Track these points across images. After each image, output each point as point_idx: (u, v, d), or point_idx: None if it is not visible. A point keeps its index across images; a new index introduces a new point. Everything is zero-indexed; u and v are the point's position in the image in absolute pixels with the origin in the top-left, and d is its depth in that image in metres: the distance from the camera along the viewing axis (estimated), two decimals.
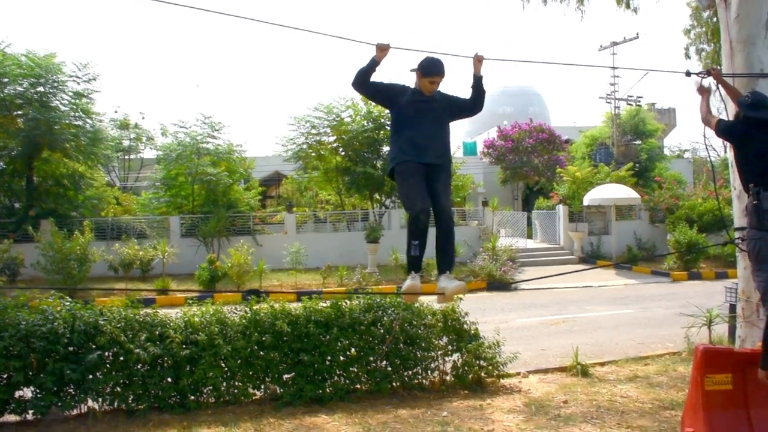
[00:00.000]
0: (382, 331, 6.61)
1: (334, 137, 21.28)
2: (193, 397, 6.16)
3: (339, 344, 6.44)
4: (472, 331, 6.98)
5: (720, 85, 5.34)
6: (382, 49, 4.04)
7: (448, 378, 6.86)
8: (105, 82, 70.32)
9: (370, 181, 20.65)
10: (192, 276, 16.23)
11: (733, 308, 7.80)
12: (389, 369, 6.63)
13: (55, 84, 18.32)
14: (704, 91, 5.16)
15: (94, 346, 5.93)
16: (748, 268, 5.58)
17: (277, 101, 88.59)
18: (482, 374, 6.87)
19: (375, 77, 4.10)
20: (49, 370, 5.72)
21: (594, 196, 20.06)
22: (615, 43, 25.49)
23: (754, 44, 5.70)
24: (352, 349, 6.52)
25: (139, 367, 6.02)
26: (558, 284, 15.61)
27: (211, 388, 6.23)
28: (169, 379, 6.13)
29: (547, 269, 18.05)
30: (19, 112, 18.15)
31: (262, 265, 15.71)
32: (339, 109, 20.90)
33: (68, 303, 6.24)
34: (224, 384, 6.27)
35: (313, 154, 21.74)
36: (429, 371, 6.85)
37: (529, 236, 23.63)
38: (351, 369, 6.55)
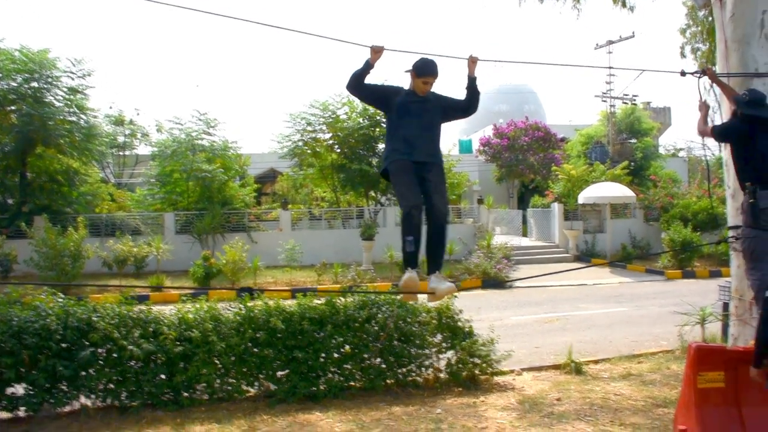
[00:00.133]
0: (376, 328, 6.61)
1: (330, 134, 21.23)
2: (186, 394, 6.14)
3: (333, 341, 6.43)
4: (467, 329, 6.98)
5: (715, 85, 5.35)
6: (376, 52, 4.08)
7: (442, 375, 6.86)
8: (100, 78, 70.21)
9: (365, 179, 20.62)
10: (186, 273, 16.18)
11: (726, 306, 7.82)
12: (383, 366, 6.63)
13: (49, 79, 18.22)
14: (704, 107, 5.19)
15: (87, 343, 5.90)
16: (741, 267, 5.61)
17: (273, 98, 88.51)
18: (476, 372, 6.88)
19: (369, 79, 4.13)
20: (42, 367, 5.70)
21: (589, 194, 20.10)
22: (611, 42, 25.47)
23: (749, 44, 5.71)
24: (347, 347, 6.51)
25: (132, 363, 5.99)
26: (552, 282, 15.64)
27: (204, 385, 6.21)
28: (163, 376, 6.11)
29: (542, 267, 18.06)
30: (13, 108, 18.03)
31: (256, 262, 15.68)
32: (335, 106, 20.86)
33: (61, 299, 6.22)
34: (218, 381, 6.25)
35: (308, 151, 21.69)
36: (423, 368, 6.85)
37: (524, 234, 23.67)
38: (345, 366, 6.55)
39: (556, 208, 21.76)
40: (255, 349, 6.32)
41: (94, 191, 20.87)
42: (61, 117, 18.43)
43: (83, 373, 5.87)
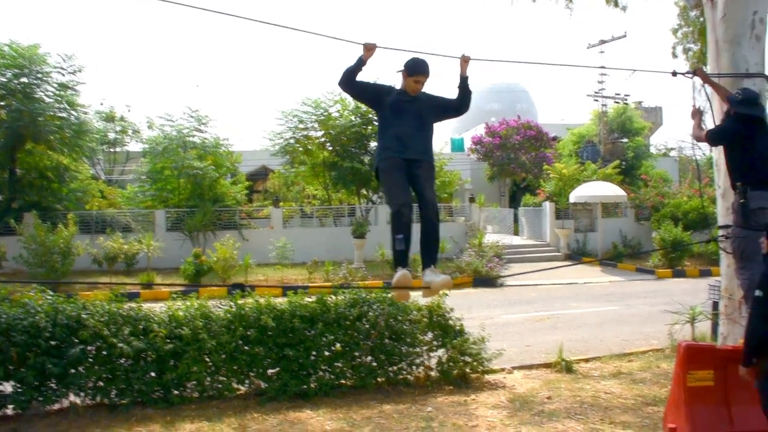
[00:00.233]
0: (367, 326, 6.60)
1: (322, 132, 21.18)
2: (176, 392, 6.12)
3: (324, 339, 6.43)
4: (458, 327, 6.99)
5: (706, 84, 5.37)
6: (369, 49, 4.09)
7: (432, 374, 6.87)
8: (91, 74, 69.65)
9: (357, 177, 20.59)
10: (177, 270, 16.10)
11: (716, 305, 7.87)
12: (374, 364, 6.63)
13: (39, 75, 18.05)
14: (697, 114, 5.21)
15: (76, 340, 5.86)
16: (731, 266, 5.64)
17: (265, 95, 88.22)
18: (467, 370, 6.89)
19: (362, 76, 4.13)
20: (30, 365, 5.66)
21: (580, 193, 20.16)
22: (603, 41, 25.52)
23: (740, 44, 5.75)
24: (337, 344, 6.51)
25: (122, 361, 5.97)
26: (543, 281, 15.69)
27: (195, 382, 6.19)
28: (153, 374, 6.08)
29: (533, 266, 18.09)
30: (2, 103, 17.83)
31: (248, 260, 15.63)
32: (327, 104, 20.81)
33: (50, 296, 6.17)
34: (208, 379, 6.24)
35: (300, 149, 21.63)
36: (414, 367, 6.86)
37: (516, 233, 23.70)
38: (336, 364, 6.55)
39: (548, 206, 21.81)
40: (246, 347, 6.30)
41: (84, 188, 20.71)
42: (51, 113, 18.27)
43: (72, 370, 5.84)
